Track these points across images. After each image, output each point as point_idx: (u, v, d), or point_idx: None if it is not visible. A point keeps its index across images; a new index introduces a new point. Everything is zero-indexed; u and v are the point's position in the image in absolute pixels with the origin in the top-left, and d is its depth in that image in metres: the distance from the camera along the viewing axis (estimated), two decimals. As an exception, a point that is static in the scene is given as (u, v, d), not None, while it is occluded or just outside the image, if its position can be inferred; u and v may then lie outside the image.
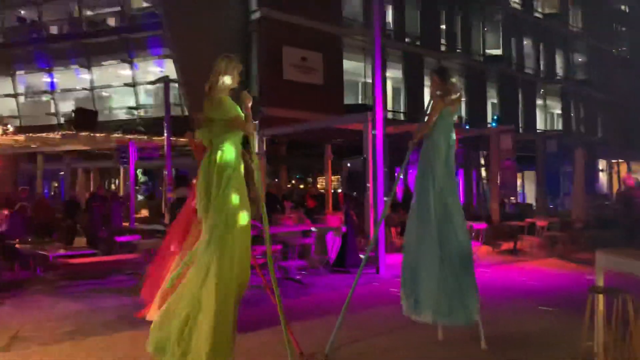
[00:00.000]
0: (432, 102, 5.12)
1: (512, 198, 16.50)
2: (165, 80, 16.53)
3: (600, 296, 4.33)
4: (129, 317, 5.74)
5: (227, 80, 4.10)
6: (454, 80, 5.38)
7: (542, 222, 12.04)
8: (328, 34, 20.04)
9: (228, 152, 4.06)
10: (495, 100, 26.60)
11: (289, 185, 21.20)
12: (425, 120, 5.12)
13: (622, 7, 35.01)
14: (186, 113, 18.76)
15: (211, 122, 4.09)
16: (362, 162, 9.75)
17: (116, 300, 7.07)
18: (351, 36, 20.89)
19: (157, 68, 20.56)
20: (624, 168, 24.45)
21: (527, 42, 28.42)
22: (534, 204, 19.11)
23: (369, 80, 22.14)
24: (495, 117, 20.62)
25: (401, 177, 10.50)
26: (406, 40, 22.95)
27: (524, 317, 6.15)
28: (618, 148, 27.11)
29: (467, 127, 16.13)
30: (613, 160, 26.40)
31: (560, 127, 30.34)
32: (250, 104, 4.11)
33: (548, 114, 30.85)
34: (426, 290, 4.83)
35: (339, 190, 19.36)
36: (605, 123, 32.54)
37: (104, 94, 22.31)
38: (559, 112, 31.59)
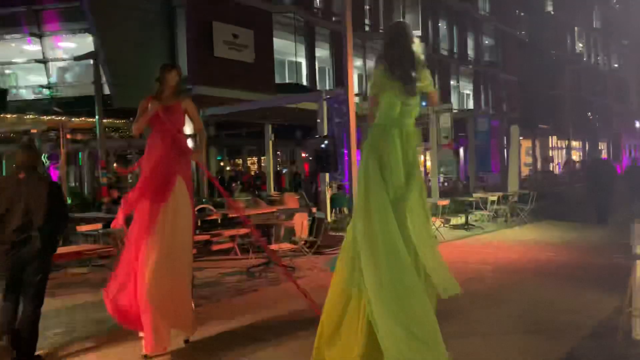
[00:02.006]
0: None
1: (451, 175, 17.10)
2: (93, 57, 15.28)
3: (638, 262, 4.56)
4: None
5: None
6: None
7: (493, 197, 12.57)
8: (258, 10, 19.43)
9: None
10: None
11: (229, 168, 20.52)
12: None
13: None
14: (107, 92, 17.40)
15: None
16: (330, 142, 9.55)
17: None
18: (282, 13, 20.39)
19: (69, 44, 18.83)
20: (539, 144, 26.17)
21: (442, 25, 29.41)
22: (463, 180, 20.01)
23: (299, 60, 21.89)
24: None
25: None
26: (333, 19, 22.83)
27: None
28: (526, 125, 29.00)
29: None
30: (522, 138, 28.25)
31: (471, 107, 31.85)
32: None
33: (460, 94, 32.26)
34: None
35: (284, 171, 19.07)
36: (511, 102, 34.65)
37: (6, 71, 20.10)
38: (469, 92, 33.17)
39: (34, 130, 13.86)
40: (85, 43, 17.30)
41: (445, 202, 11.16)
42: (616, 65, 47.77)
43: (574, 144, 40.50)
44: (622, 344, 4.43)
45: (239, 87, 18.07)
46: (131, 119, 17.10)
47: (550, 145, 36.56)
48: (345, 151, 11.45)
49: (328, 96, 11.42)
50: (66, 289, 7.07)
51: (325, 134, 10.82)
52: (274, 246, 7.74)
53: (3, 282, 4.32)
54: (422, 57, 3.75)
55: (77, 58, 15.70)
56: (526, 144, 29.32)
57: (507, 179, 15.65)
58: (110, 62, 16.87)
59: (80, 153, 18.83)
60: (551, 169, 35.46)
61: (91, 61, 15.71)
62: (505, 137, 19.99)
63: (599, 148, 40.67)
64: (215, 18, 18.11)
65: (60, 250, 7.28)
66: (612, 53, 47.73)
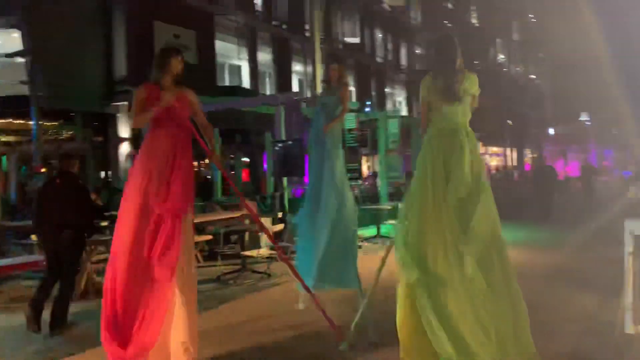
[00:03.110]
0: (340, 90, 5.49)
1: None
2: (22, 54, 14.31)
3: (631, 258, 4.81)
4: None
5: None
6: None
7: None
8: (201, 11, 18.96)
9: None
10: (352, 88, 27.72)
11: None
12: (340, 110, 5.48)
13: (449, 5, 38.71)
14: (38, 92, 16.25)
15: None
16: (297, 145, 9.41)
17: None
18: (224, 15, 20.01)
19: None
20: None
21: (378, 33, 30.05)
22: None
23: (239, 63, 21.57)
24: (368, 102, 21.46)
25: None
26: (274, 23, 22.72)
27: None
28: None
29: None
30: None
31: (404, 113, 32.70)
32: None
33: (393, 101, 33.08)
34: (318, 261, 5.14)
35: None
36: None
37: None
38: (401, 99, 34.08)
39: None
40: (12, 39, 16.13)
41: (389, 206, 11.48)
42: (533, 76, 50.82)
43: (495, 150, 42.68)
44: (617, 339, 4.64)
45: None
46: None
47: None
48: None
49: (286, 100, 11.29)
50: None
51: (283, 138, 10.69)
52: (247, 253, 7.52)
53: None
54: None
55: (7, 56, 14.61)
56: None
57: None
58: (41, 60, 15.81)
59: (4, 157, 17.54)
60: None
61: (20, 59, 14.71)
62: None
63: (543, 154, 43.15)
64: (156, 17, 17.50)
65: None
66: (529, 64, 50.78)
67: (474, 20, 41.31)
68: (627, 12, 43.00)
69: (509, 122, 44.64)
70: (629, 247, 4.86)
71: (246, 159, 22.20)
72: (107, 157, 19.00)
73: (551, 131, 52.09)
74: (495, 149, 42.56)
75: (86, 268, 6.75)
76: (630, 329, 4.75)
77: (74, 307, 6.19)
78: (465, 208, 3.60)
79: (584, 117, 51.65)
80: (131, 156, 18.72)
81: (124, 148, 18.62)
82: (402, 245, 3.72)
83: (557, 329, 4.89)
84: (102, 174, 19.79)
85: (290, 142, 9.50)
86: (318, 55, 8.87)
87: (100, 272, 7.00)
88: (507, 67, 46.26)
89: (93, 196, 11.14)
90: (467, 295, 3.45)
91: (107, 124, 18.53)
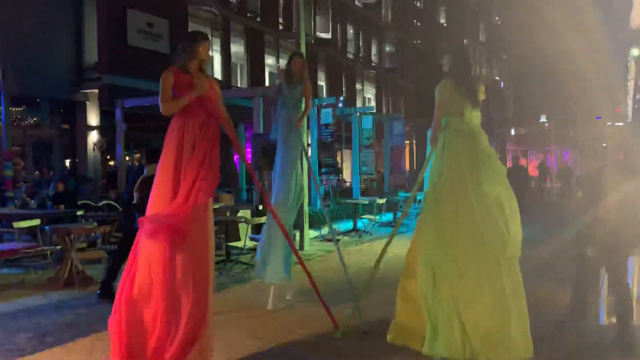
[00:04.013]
0: (304, 86, 5.56)
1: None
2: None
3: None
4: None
5: None
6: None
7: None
8: (175, 0, 18.72)
9: None
10: (323, 83, 27.83)
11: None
12: (304, 105, 5.61)
13: (418, 5, 39.21)
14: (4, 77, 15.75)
15: None
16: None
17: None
18: (197, 5, 19.79)
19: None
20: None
21: (349, 29, 30.21)
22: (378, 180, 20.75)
23: (211, 54, 21.34)
24: (341, 98, 21.53)
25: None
26: (248, 15, 22.59)
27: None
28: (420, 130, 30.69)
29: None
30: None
31: (373, 110, 33.02)
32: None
33: (363, 98, 33.35)
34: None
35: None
36: (408, 107, 36.46)
37: None
38: (370, 96, 34.38)
39: None
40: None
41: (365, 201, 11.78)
42: (497, 78, 52.00)
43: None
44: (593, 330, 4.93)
45: (154, 79, 17.17)
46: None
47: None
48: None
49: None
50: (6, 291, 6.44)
51: (261, 131, 10.73)
52: (233, 244, 7.57)
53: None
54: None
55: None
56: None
57: (413, 180, 16.61)
58: (7, 44, 15.33)
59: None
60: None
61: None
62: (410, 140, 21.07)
63: (507, 154, 44.11)
64: (129, 5, 17.19)
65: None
66: (494, 67, 51.94)
67: (442, 20, 41.97)
68: (587, 17, 44.48)
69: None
70: (588, 251, 5.14)
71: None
72: (74, 145, 18.58)
73: (513, 132, 53.45)
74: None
75: (69, 257, 6.68)
76: (604, 320, 5.08)
77: (58, 296, 6.17)
78: (498, 209, 3.94)
79: (543, 119, 53.14)
80: (99, 145, 18.38)
81: (93, 136, 18.26)
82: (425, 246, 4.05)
83: (536, 319, 5.16)
84: (67, 162, 19.36)
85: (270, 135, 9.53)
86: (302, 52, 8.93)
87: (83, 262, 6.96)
88: (473, 69, 47.20)
89: (60, 185, 11.02)
90: (481, 291, 3.81)
91: (75, 111, 18.11)
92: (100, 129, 18.39)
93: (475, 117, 4.18)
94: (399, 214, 12.91)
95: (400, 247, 4.89)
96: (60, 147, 18.88)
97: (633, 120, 57.84)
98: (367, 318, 4.90)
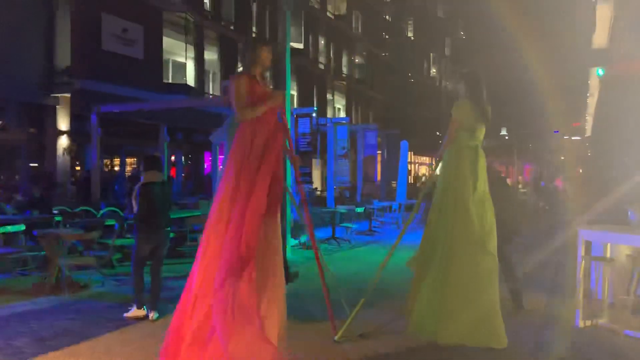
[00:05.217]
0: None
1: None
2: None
3: (583, 262, 5.48)
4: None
5: None
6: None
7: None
8: (149, 6, 18.66)
9: None
10: (294, 92, 28.05)
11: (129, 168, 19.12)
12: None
13: (387, 17, 40.00)
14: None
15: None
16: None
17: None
18: (172, 11, 19.78)
19: None
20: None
21: (321, 40, 30.60)
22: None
23: (184, 60, 21.34)
24: (314, 109, 21.76)
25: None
26: (222, 23, 22.68)
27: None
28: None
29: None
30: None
31: (349, 120, 33.40)
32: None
33: (333, 108, 33.76)
34: None
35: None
36: (377, 118, 37.05)
37: None
38: (340, 107, 34.82)
39: None
40: None
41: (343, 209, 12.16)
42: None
43: (425, 159, 44.45)
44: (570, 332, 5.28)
45: (128, 84, 17.19)
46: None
47: (409, 160, 39.69)
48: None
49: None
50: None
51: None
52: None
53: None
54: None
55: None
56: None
57: (384, 190, 16.99)
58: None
59: None
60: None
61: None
62: (383, 151, 21.52)
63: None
64: (104, 9, 17.08)
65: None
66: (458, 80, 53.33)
67: (410, 34, 42.88)
68: (551, 37, 46.26)
69: (438, 133, 46.70)
70: (582, 252, 5.54)
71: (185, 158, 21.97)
72: (44, 149, 18.22)
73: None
74: (424, 159, 44.31)
75: (56, 263, 6.66)
76: (580, 323, 5.43)
77: (47, 301, 6.17)
78: (480, 209, 4.79)
79: (503, 132, 54.63)
80: (69, 149, 18.06)
81: (63, 141, 17.95)
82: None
83: (519, 323, 5.47)
84: (35, 165, 18.94)
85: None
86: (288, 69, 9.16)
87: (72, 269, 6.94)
88: (438, 81, 48.37)
89: (36, 190, 10.77)
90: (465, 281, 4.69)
91: (45, 115, 17.77)
92: (71, 133, 18.10)
93: (482, 133, 5.02)
94: (375, 222, 13.22)
95: (393, 256, 5.17)
96: (28, 152, 18.48)
97: (592, 135, 59.93)
98: (361, 323, 5.12)
